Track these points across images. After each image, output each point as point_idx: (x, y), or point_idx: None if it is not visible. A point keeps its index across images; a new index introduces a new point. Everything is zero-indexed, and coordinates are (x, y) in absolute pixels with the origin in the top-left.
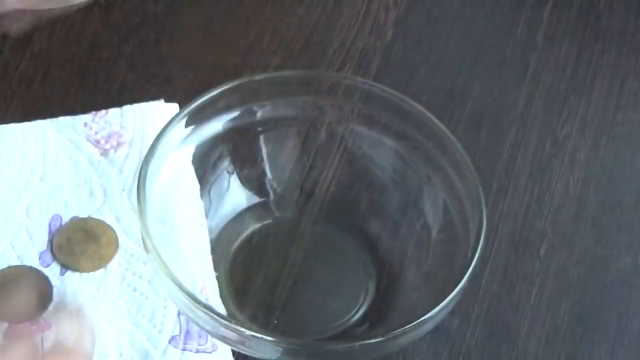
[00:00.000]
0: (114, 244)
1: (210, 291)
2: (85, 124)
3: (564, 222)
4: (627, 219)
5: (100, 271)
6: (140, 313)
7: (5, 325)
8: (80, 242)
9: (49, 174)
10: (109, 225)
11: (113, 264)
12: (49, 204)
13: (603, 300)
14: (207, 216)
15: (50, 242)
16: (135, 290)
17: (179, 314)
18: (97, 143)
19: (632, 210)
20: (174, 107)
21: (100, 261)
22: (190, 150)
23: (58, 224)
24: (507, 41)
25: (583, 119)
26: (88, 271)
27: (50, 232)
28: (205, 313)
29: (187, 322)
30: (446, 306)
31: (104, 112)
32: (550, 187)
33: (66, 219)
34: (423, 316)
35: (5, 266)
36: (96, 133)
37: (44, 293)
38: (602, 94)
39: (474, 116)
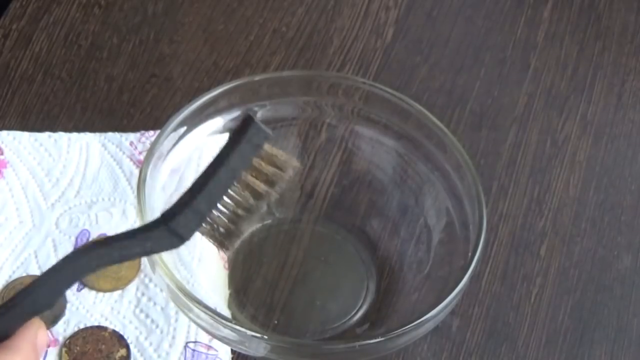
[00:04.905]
0: (136, 266)
1: (211, 290)
2: (131, 143)
3: (564, 222)
4: (627, 219)
5: (117, 292)
6: (148, 340)
7: None
8: None
9: (85, 188)
10: None
11: (131, 287)
12: (79, 218)
13: (603, 300)
14: None
15: None
16: (147, 316)
17: (186, 345)
18: (139, 163)
19: (632, 210)
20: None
21: (118, 282)
22: (190, 150)
23: (85, 239)
24: (507, 41)
25: (583, 118)
26: (105, 290)
27: (75, 246)
28: (205, 313)
29: (192, 356)
30: (446, 306)
31: (151, 132)
32: (550, 187)
33: (94, 234)
34: (423, 316)
35: (24, 274)
36: (140, 153)
37: (57, 306)
38: (602, 93)
39: (474, 116)
